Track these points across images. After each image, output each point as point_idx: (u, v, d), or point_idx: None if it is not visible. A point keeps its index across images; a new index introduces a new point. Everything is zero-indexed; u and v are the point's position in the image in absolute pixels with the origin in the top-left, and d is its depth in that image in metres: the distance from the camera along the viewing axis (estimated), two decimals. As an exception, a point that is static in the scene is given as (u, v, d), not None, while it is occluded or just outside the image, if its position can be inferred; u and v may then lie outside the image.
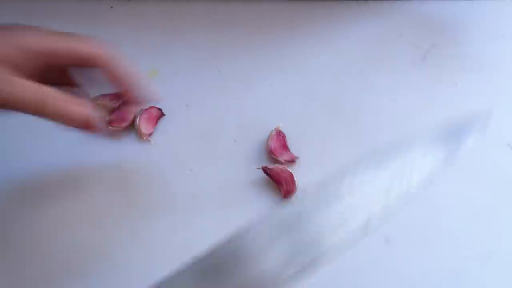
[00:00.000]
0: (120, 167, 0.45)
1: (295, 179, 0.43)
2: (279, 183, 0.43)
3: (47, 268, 0.40)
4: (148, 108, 0.48)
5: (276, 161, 0.45)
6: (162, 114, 0.48)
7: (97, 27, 0.54)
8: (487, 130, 0.47)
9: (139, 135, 0.47)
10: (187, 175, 0.45)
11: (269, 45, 0.54)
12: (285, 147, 0.46)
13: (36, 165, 0.45)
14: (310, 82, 0.51)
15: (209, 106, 0.49)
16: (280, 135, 0.46)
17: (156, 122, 0.48)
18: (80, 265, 0.40)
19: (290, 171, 0.44)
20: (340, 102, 0.50)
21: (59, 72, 0.39)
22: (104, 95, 0.48)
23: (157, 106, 0.48)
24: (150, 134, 0.47)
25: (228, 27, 0.55)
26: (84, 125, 0.36)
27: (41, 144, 0.46)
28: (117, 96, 0.48)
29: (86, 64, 0.38)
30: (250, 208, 0.43)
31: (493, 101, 0.50)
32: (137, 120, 0.46)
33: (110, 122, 0.46)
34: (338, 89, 0.51)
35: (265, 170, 0.44)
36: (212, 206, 0.43)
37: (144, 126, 0.47)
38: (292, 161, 0.45)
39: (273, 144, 0.45)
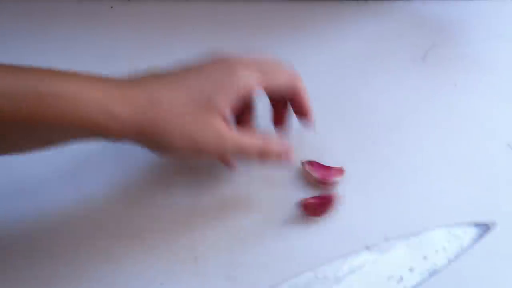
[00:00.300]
0: (120, 167, 0.45)
1: None
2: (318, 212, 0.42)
3: (47, 269, 0.40)
4: None
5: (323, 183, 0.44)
6: None
7: (97, 27, 0.55)
8: (487, 130, 0.48)
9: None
10: (187, 175, 0.45)
11: (269, 45, 0.54)
12: (325, 167, 0.44)
13: (36, 165, 0.45)
14: (310, 82, 0.51)
15: (209, 106, 0.49)
16: (313, 163, 0.45)
17: None
18: (80, 266, 0.40)
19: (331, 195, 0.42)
20: (340, 102, 0.50)
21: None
22: None
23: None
24: None
25: (228, 27, 0.55)
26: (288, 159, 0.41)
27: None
28: None
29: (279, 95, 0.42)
30: (250, 207, 0.43)
31: (492, 101, 0.50)
32: None
33: None
34: (338, 89, 0.51)
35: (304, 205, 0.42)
36: (212, 205, 0.43)
37: None
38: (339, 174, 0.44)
39: (318, 172, 0.44)
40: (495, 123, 0.48)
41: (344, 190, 0.44)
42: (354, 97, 0.50)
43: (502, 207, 0.44)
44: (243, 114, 0.43)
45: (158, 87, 0.37)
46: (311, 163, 0.44)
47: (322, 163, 0.44)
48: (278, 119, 0.45)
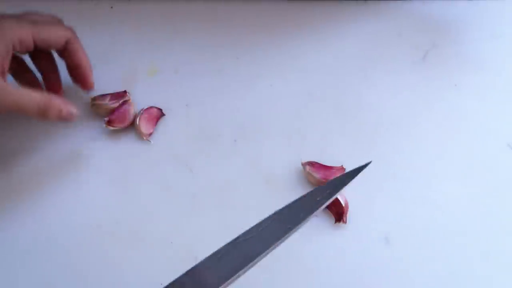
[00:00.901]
0: (120, 167, 0.45)
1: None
2: (328, 207, 0.42)
3: (46, 270, 0.40)
4: (148, 108, 0.48)
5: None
6: (162, 114, 0.48)
7: (97, 27, 0.55)
8: (487, 130, 0.48)
9: (139, 135, 0.47)
10: (187, 175, 0.45)
11: (269, 45, 0.54)
12: (326, 167, 0.45)
13: (36, 164, 0.45)
14: (310, 82, 0.51)
15: (209, 106, 0.49)
16: (313, 164, 0.45)
17: (156, 122, 0.48)
18: (79, 265, 0.40)
19: (340, 197, 0.42)
20: (340, 102, 0.50)
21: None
22: (103, 95, 0.48)
23: (157, 106, 0.48)
24: (150, 134, 0.47)
25: (228, 27, 0.55)
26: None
27: (42, 144, 0.46)
28: (116, 96, 0.48)
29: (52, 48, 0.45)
30: (250, 208, 0.43)
31: (492, 101, 0.50)
32: (137, 120, 0.46)
33: (109, 122, 0.46)
34: (338, 89, 0.51)
35: None
36: (212, 206, 0.43)
37: (144, 126, 0.47)
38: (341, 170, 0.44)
39: (319, 172, 0.44)
40: (495, 123, 0.48)
41: (345, 189, 0.44)
42: (354, 97, 0.50)
43: (502, 207, 0.44)
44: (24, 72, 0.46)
45: None
46: (312, 163, 0.44)
47: (323, 163, 0.44)
48: (50, 84, 0.47)
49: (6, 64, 0.40)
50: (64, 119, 0.42)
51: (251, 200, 0.43)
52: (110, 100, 0.48)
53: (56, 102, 0.42)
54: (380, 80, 0.51)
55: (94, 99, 0.48)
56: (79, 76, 0.46)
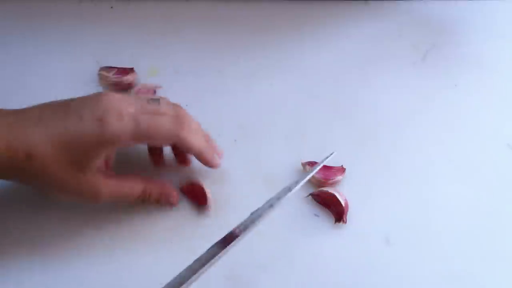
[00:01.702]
0: (121, 167, 0.45)
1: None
2: (328, 207, 0.43)
3: (47, 270, 0.40)
4: None
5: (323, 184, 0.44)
6: None
7: (97, 27, 0.55)
8: (487, 130, 0.48)
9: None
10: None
11: (269, 45, 0.54)
12: (326, 167, 0.44)
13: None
14: (310, 82, 0.51)
15: (209, 106, 0.49)
16: (313, 164, 0.44)
17: None
18: (81, 267, 0.40)
19: (337, 194, 0.42)
20: (340, 101, 0.50)
21: None
22: (110, 68, 0.49)
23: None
24: None
25: (228, 27, 0.55)
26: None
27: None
28: (122, 71, 0.49)
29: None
30: (250, 208, 0.43)
31: (492, 101, 0.50)
32: None
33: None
34: (338, 89, 0.51)
35: (315, 197, 0.43)
36: (212, 206, 0.43)
37: None
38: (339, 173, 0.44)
39: (319, 172, 0.44)
40: (495, 123, 0.48)
41: (345, 189, 0.44)
42: (354, 97, 0.50)
43: (502, 207, 0.44)
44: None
45: (34, 137, 0.36)
46: (312, 163, 0.44)
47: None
48: (157, 159, 0.46)
49: (105, 162, 0.40)
50: (163, 205, 0.43)
51: (251, 200, 0.43)
52: (116, 74, 0.49)
53: (155, 193, 0.42)
54: (380, 80, 0.51)
55: (101, 69, 0.50)
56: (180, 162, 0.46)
